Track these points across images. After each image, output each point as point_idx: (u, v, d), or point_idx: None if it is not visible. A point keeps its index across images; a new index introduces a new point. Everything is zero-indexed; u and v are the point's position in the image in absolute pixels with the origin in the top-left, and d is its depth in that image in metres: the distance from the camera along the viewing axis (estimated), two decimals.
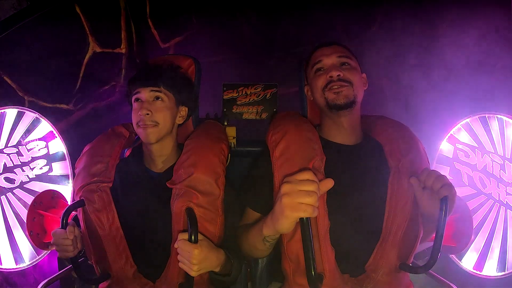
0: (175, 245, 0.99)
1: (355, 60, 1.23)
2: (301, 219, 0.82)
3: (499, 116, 1.62)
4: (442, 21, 2.07)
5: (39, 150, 1.67)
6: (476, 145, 1.64)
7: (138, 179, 1.22)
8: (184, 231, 1.06)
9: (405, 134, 1.21)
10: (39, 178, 1.67)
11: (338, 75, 1.15)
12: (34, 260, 1.63)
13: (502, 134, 1.61)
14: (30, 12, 1.75)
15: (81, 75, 1.97)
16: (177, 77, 1.25)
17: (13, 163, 1.64)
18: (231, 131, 1.56)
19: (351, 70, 1.18)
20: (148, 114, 1.15)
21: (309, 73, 1.25)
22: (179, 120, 1.25)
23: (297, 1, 2.10)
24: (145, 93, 1.17)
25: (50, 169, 1.68)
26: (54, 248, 1.14)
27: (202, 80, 1.43)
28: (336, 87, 1.14)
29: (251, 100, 1.70)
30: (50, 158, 1.68)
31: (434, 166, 1.69)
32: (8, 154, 1.63)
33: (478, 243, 1.59)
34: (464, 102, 1.93)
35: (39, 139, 1.67)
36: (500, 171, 1.58)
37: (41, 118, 1.68)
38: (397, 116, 1.32)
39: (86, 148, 1.28)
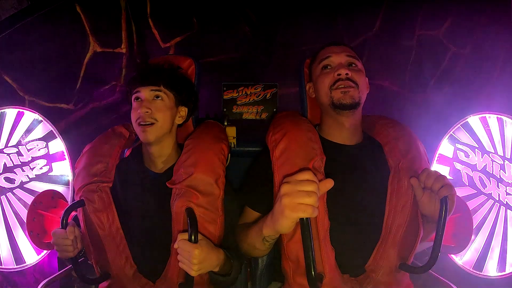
0: (175, 245, 0.99)
1: (361, 63, 1.22)
2: (301, 219, 0.82)
3: (499, 116, 1.62)
4: (442, 21, 2.07)
5: (39, 150, 1.67)
6: (476, 145, 1.64)
7: (138, 179, 1.22)
8: (184, 231, 1.06)
9: (405, 134, 1.21)
10: (39, 178, 1.67)
11: (347, 74, 1.14)
12: (34, 260, 1.63)
13: (502, 134, 1.61)
14: (30, 12, 1.76)
15: (81, 75, 1.96)
16: (177, 77, 1.25)
17: (13, 163, 1.64)
18: (231, 131, 1.56)
19: (358, 72, 1.18)
20: (147, 112, 1.15)
21: (315, 69, 1.23)
22: (178, 120, 1.25)
23: (298, 1, 2.10)
24: (145, 92, 1.17)
25: (50, 169, 1.69)
26: (54, 248, 1.14)
27: (202, 80, 1.43)
28: (343, 86, 1.14)
29: (251, 100, 1.70)
30: (50, 158, 1.68)
31: (434, 166, 1.69)
32: (8, 154, 1.63)
33: (478, 243, 1.59)
34: (464, 102, 1.93)
35: (39, 139, 1.68)
36: (500, 171, 1.59)
37: (41, 118, 1.68)
38: (397, 116, 1.32)
39: (86, 148, 1.27)
